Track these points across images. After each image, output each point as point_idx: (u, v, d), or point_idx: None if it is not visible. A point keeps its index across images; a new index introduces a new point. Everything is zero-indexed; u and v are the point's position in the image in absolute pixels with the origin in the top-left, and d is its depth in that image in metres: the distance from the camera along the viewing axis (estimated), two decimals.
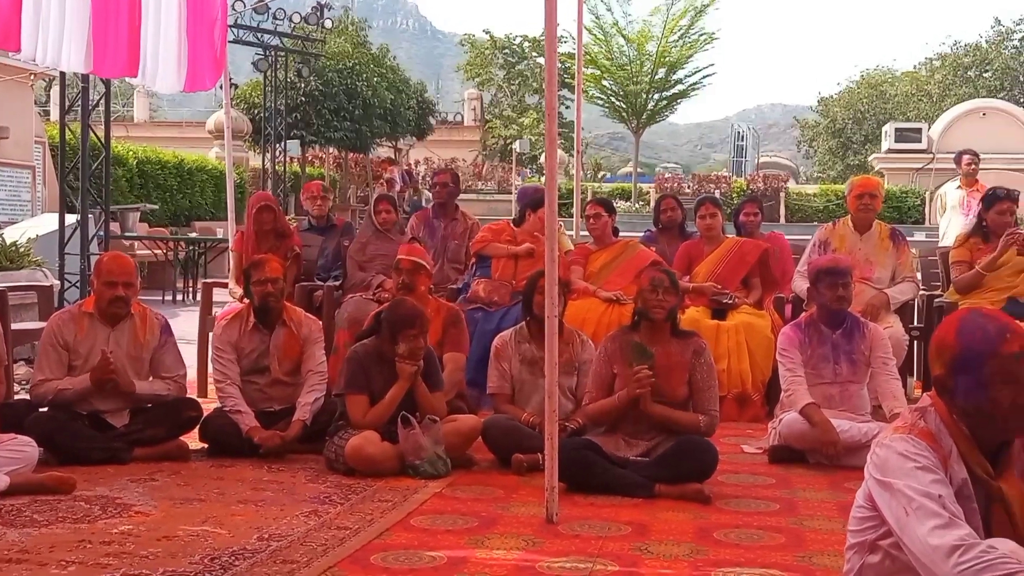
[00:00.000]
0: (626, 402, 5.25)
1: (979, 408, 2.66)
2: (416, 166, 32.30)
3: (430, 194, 13.48)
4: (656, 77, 30.04)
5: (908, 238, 15.64)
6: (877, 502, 2.71)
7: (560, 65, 40.31)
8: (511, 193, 26.28)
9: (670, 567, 4.01)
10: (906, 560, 2.63)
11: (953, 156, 11.72)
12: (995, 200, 7.36)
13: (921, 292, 7.96)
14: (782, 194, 28.01)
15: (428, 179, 23.45)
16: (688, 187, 29.25)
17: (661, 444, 5.26)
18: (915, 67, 51.01)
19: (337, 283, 8.07)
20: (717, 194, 25.05)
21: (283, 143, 22.29)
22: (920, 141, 26.41)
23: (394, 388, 5.54)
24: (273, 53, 21.25)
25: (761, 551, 4.24)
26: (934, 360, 2.76)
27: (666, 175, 36.77)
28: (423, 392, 5.59)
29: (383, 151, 35.45)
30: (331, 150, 31.02)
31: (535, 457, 5.33)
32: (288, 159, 23.73)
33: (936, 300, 7.65)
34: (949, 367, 2.71)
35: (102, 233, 11.62)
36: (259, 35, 20.48)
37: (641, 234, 9.20)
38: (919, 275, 8.65)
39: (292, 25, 21.37)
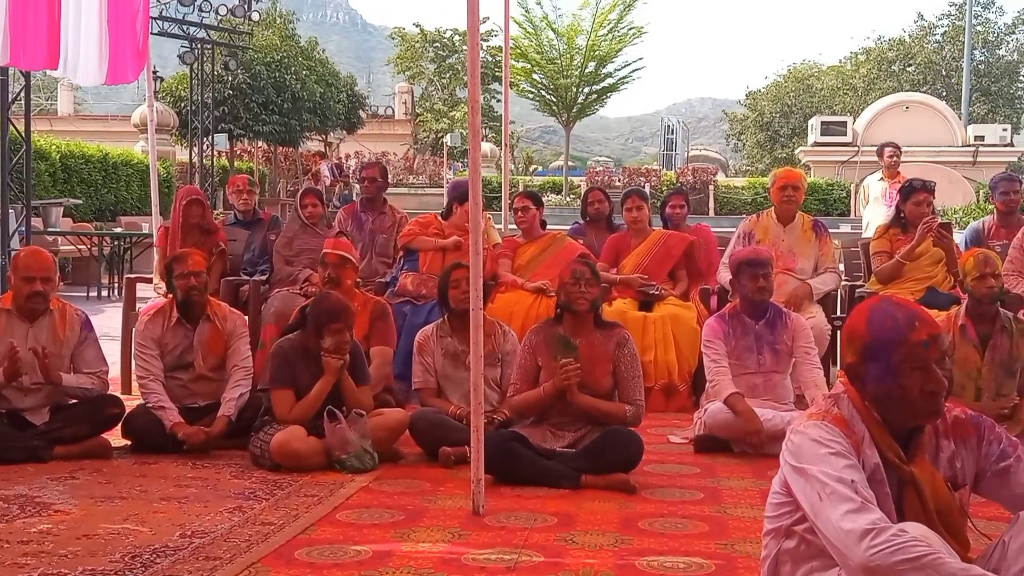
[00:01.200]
0: (552, 394, 5.27)
1: (890, 394, 2.71)
2: (346, 160, 32.09)
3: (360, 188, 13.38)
4: (586, 71, 30.14)
5: (834, 230, 15.91)
6: (792, 488, 2.74)
7: (491, 59, 40.40)
8: (443, 187, 26.24)
9: (594, 557, 4.04)
10: (820, 545, 2.67)
11: (876, 149, 11.90)
12: (912, 191, 7.47)
13: (843, 283, 8.07)
14: (711, 187, 28.27)
15: (357, 173, 23.32)
16: (619, 180, 29.37)
17: (587, 435, 5.29)
18: (841, 61, 51.82)
19: (263, 278, 7.99)
20: (647, 187, 25.24)
21: (210, 137, 22.06)
22: (845, 134, 26.82)
23: (320, 382, 5.51)
24: (199, 46, 21.00)
25: (684, 540, 4.29)
26: (846, 348, 2.81)
27: (597, 168, 36.98)
28: (349, 386, 5.57)
29: (313, 145, 35.23)
30: (260, 144, 30.74)
31: (462, 450, 5.33)
32: (216, 153, 23.48)
33: (858, 290, 7.76)
34: (860, 354, 2.75)
35: (24, 229, 11.39)
36: (185, 27, 20.23)
37: (569, 227, 9.24)
38: (841, 266, 8.78)
39: (218, 17, 21.16)
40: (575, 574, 3.83)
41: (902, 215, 7.47)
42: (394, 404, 6.16)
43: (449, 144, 35.41)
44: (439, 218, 8.11)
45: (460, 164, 37.98)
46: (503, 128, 10.30)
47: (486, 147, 32.32)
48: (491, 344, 5.96)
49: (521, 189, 18.73)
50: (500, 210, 10.77)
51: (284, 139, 29.01)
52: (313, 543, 4.17)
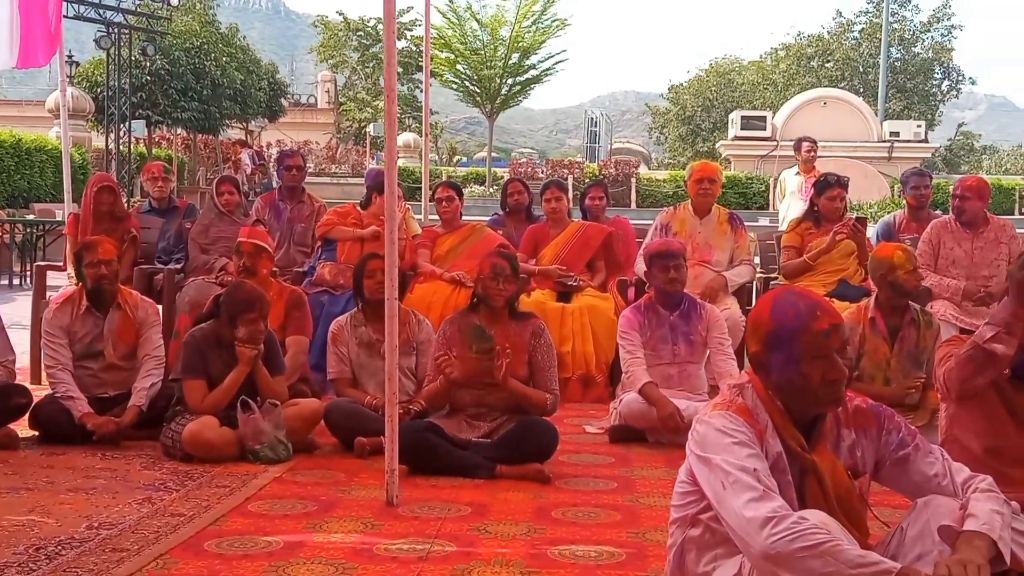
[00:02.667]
0: (457, 382, 5.27)
1: (792, 383, 2.76)
2: (268, 148, 31.75)
3: None
4: (510, 62, 30.14)
5: (753, 223, 16.10)
6: (697, 477, 2.77)
7: (415, 48, 40.22)
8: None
9: (507, 546, 4.05)
10: (725, 533, 2.71)
11: (794, 143, 12.05)
12: (826, 186, 7.58)
13: (758, 275, 8.19)
14: (633, 179, 28.43)
15: (275, 162, 23.07)
16: (542, 172, 29.43)
17: (503, 425, 5.30)
18: (761, 57, 52.47)
19: (178, 266, 7.89)
20: (570, 179, 25.32)
21: (127, 123, 21.67)
22: (764, 129, 27.16)
23: (233, 372, 5.45)
24: (116, 30, 20.62)
25: (597, 528, 4.32)
26: (750, 337, 2.85)
27: (521, 160, 36.97)
28: (263, 376, 5.52)
29: (234, 133, 34.81)
30: (179, 131, 30.28)
31: (378, 440, 5.29)
32: (133, 140, 23.07)
33: (772, 282, 7.87)
34: (764, 344, 2.79)
35: None
36: (101, 11, 19.84)
37: (489, 218, 9.25)
38: (757, 258, 8.89)
39: (136, 2, 20.76)
40: (487, 563, 3.84)
41: (816, 209, 7.58)
42: (310, 394, 6.10)
43: (372, 134, 35.21)
44: (358, 208, 8.06)
45: (383, 154, 37.77)
46: (424, 118, 10.26)
47: (409, 137, 32.20)
48: (406, 333, 5.95)
49: (444, 180, 18.62)
50: (421, 200, 10.76)
51: (204, 126, 28.61)
52: (223, 534, 4.12)
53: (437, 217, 8.46)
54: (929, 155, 31.52)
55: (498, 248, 5.70)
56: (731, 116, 29.87)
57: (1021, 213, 25.68)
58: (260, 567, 3.75)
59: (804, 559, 2.44)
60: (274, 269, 7.04)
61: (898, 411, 5.63)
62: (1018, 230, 7.71)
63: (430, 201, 9.09)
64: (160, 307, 6.60)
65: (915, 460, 2.87)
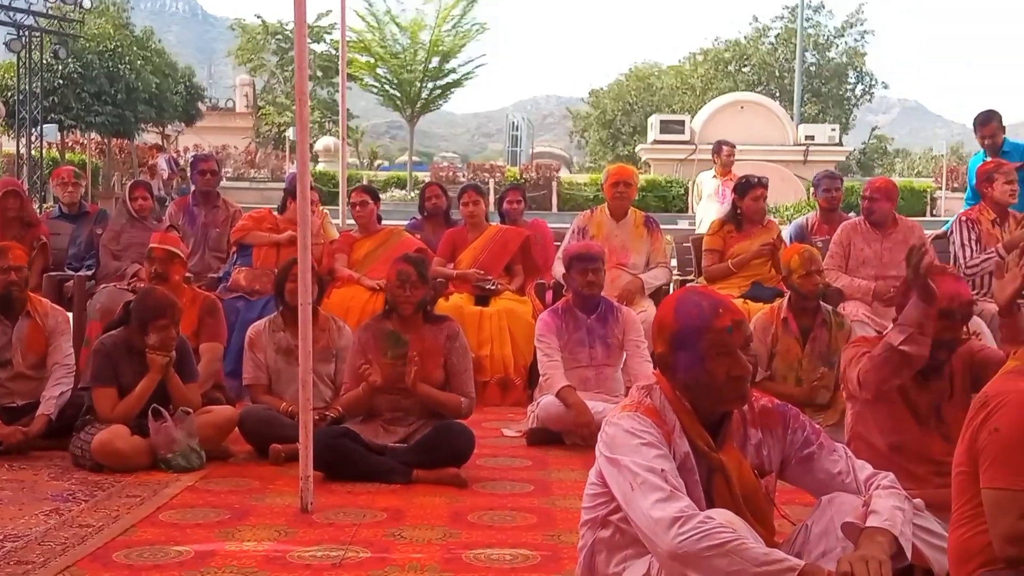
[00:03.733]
0: (377, 386, 5.24)
1: (698, 381, 2.78)
2: (186, 153, 31.33)
3: None
4: (430, 66, 30.11)
5: (672, 226, 16.23)
6: (606, 478, 2.79)
7: (334, 52, 39.91)
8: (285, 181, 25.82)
9: (422, 551, 4.04)
10: (634, 534, 2.72)
11: (712, 146, 12.19)
12: (749, 187, 7.65)
13: (675, 277, 8.26)
14: (554, 183, 28.54)
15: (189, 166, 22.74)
16: (463, 176, 29.43)
17: (419, 430, 5.28)
18: (680, 61, 52.97)
19: (89, 273, 7.75)
20: (491, 183, 25.35)
21: (39, 127, 21.22)
22: (683, 133, 27.44)
23: (144, 380, 5.37)
24: (27, 33, 20.20)
25: (513, 532, 4.32)
26: (656, 339, 2.87)
27: (442, 164, 36.96)
28: (176, 383, 5.44)
29: (150, 137, 34.28)
30: (93, 135, 29.73)
31: (293, 447, 5.22)
32: (46, 144, 22.62)
33: (688, 285, 7.95)
34: (669, 343, 2.82)
35: None
36: (11, 13, 19.42)
37: (407, 222, 9.22)
38: (674, 261, 8.97)
39: (47, 4, 20.35)
40: (401, 569, 3.83)
41: (739, 211, 7.64)
42: (224, 401, 6.04)
43: (292, 138, 34.85)
44: (274, 213, 7.99)
45: None
46: (340, 121, 10.20)
47: (329, 141, 31.96)
48: (325, 339, 5.92)
49: (360, 184, 18.50)
50: (339, 205, 10.68)
51: (118, 131, 28.11)
52: (132, 545, 4.06)
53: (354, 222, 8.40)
54: (843, 158, 32.09)
55: (404, 254, 5.64)
56: (650, 120, 30.13)
57: (932, 215, 26.24)
58: None
59: (710, 558, 2.47)
60: (188, 275, 6.94)
61: (808, 410, 5.78)
62: (928, 231, 7.90)
63: (347, 206, 9.03)
64: (70, 315, 6.48)
65: (820, 458, 2.91)
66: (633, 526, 2.68)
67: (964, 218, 7.16)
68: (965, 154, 45.89)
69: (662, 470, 2.65)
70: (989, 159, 7.59)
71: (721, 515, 2.61)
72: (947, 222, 7.69)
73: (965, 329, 4.01)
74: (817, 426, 2.99)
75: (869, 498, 2.76)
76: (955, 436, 2.92)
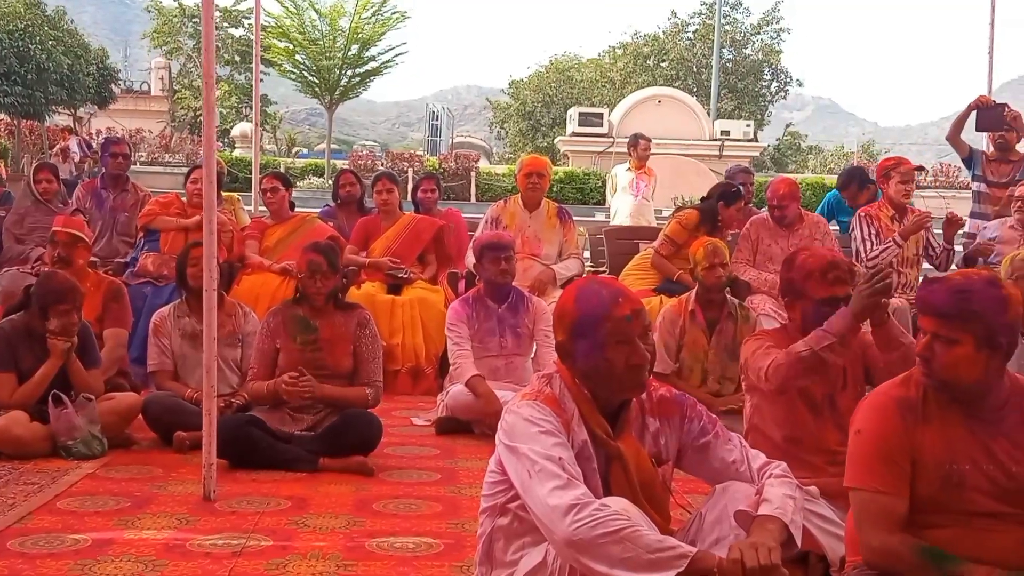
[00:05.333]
0: (272, 396, 5.23)
1: (597, 369, 2.81)
2: (98, 136, 30.67)
3: None
4: (349, 53, 29.78)
5: (590, 218, 16.29)
6: (505, 466, 2.80)
7: (252, 37, 39.35)
8: None
9: (324, 539, 4.02)
10: (532, 521, 2.73)
11: (629, 140, 12.26)
12: (736, 198, 7.49)
13: (587, 269, 8.31)
14: (473, 173, 28.48)
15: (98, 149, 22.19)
16: (382, 164, 29.20)
17: (326, 418, 5.26)
18: (600, 54, 53.15)
19: None
20: (410, 172, 25.20)
21: None
22: (602, 125, 27.51)
23: (45, 366, 5.27)
24: None
25: (417, 520, 4.33)
26: (557, 328, 2.89)
27: (362, 152, 36.62)
28: (77, 369, 5.34)
29: (61, 119, 33.54)
30: (2, 116, 28.99)
31: (198, 434, 5.14)
32: None
33: (600, 275, 8.00)
34: (569, 332, 2.84)
35: None
36: None
37: (320, 209, 9.16)
38: (587, 252, 9.03)
39: None
40: (303, 557, 3.81)
41: (719, 219, 7.42)
42: (129, 388, 5.94)
43: None
44: (181, 198, 7.88)
45: (221, 144, 36.99)
46: (254, 106, 10.09)
47: (246, 127, 31.56)
48: (232, 325, 5.87)
49: (271, 170, 18.27)
50: (252, 191, 10.58)
51: (28, 112, 27.42)
52: (28, 533, 3.99)
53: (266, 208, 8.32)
54: (758, 154, 32.42)
55: (314, 243, 5.59)
56: (569, 112, 30.17)
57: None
58: (65, 566, 3.64)
59: (605, 545, 2.49)
60: (94, 259, 6.83)
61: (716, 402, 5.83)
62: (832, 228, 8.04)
63: (259, 192, 8.94)
64: None
65: (715, 447, 2.96)
66: (530, 514, 2.69)
67: (863, 214, 7.32)
68: (876, 152, 46.87)
69: (560, 458, 2.67)
70: (890, 157, 7.78)
71: (616, 503, 2.64)
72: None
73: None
74: (714, 416, 3.04)
75: (762, 487, 2.81)
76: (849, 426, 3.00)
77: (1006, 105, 8.22)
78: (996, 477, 2.79)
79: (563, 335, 2.86)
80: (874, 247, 7.11)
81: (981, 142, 8.69)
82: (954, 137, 8.23)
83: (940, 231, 7.58)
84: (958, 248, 7.74)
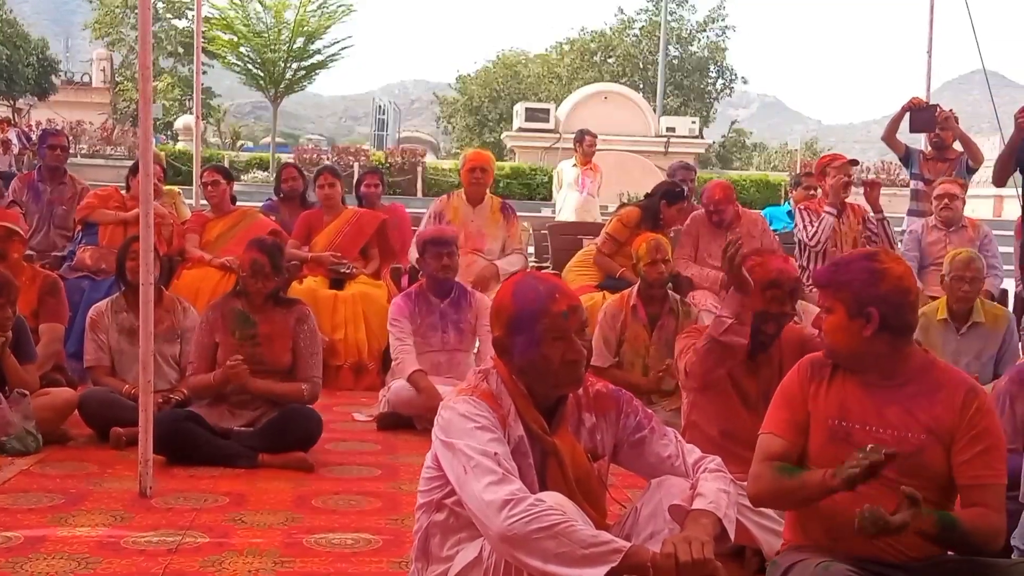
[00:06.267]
0: (220, 384, 5.18)
1: (534, 364, 2.81)
2: (38, 128, 30.23)
3: None
4: (294, 46, 29.61)
5: (536, 213, 16.29)
6: (441, 462, 2.79)
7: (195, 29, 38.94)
8: None
9: (262, 536, 4.00)
10: (468, 517, 2.72)
11: (575, 136, 12.29)
12: (679, 198, 7.48)
13: (531, 264, 8.32)
14: (419, 168, 28.41)
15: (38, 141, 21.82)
16: (327, 159, 29.05)
17: (266, 414, 5.22)
18: (547, 50, 53.28)
19: None
20: (356, 167, 25.09)
21: None
22: (548, 121, 27.54)
23: None
24: None
25: (356, 516, 4.31)
26: (494, 323, 2.89)
27: (307, 146, 36.45)
28: (11, 364, 5.25)
29: (0, 110, 33.02)
30: None
31: (135, 430, 5.08)
32: None
33: (543, 271, 8.00)
34: (506, 327, 2.84)
35: None
36: None
37: (262, 203, 9.10)
38: (531, 248, 9.05)
39: None
40: (239, 554, 3.78)
41: (661, 217, 7.43)
42: (65, 383, 5.85)
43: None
44: (121, 191, 7.78)
45: (163, 136, 36.63)
46: (195, 99, 9.99)
47: (190, 120, 31.18)
48: (170, 320, 5.80)
49: (212, 163, 18.09)
50: (193, 185, 10.47)
51: None
52: None
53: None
54: (703, 151, 32.64)
55: (259, 240, 5.53)
56: (516, 108, 30.19)
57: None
58: None
59: (539, 540, 2.49)
60: (30, 253, 6.72)
61: (655, 396, 5.89)
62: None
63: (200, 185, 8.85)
64: None
65: (651, 442, 2.97)
66: (466, 509, 2.69)
67: (803, 207, 7.42)
68: (819, 149, 47.37)
69: (495, 453, 2.67)
70: (827, 155, 7.90)
71: (551, 498, 2.64)
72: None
73: (796, 313, 4.16)
74: (649, 411, 3.05)
75: (696, 481, 2.82)
76: None
77: (937, 106, 8.36)
78: (883, 440, 2.84)
79: (500, 331, 2.86)
80: (812, 228, 7.20)
81: (920, 141, 8.81)
82: (889, 137, 8.36)
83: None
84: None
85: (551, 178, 25.32)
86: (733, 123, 56.67)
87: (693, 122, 28.98)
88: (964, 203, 7.62)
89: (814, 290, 4.47)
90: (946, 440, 2.88)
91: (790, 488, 2.88)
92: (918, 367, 2.94)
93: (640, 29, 48.59)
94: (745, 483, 3.57)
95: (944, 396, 2.90)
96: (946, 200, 7.44)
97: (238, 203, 8.33)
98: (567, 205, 11.77)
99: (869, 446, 2.69)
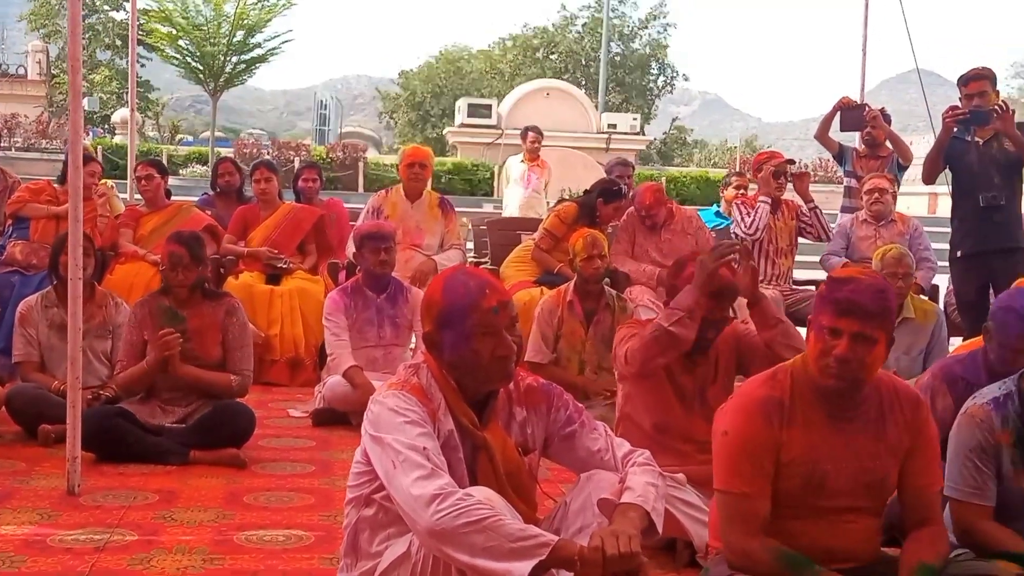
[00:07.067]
0: (155, 366, 5.12)
1: (464, 359, 2.80)
2: None
3: None
4: (234, 39, 29.30)
5: (477, 209, 16.26)
6: (370, 457, 2.77)
7: (136, 21, 38.41)
8: None
9: (192, 533, 3.95)
10: (397, 512, 2.71)
11: (519, 132, 12.30)
12: (615, 197, 7.48)
13: (470, 260, 8.30)
14: (361, 163, 28.27)
15: None
16: (268, 153, 28.79)
17: (198, 410, 5.17)
18: (490, 46, 53.22)
19: None
20: (296, 162, 24.90)
21: None
22: (490, 117, 27.51)
23: None
24: None
25: (289, 512, 4.28)
26: (424, 318, 2.87)
27: (248, 140, 36.08)
28: None
29: None
30: None
31: (63, 427, 5.01)
32: None
33: (482, 266, 8.00)
34: (436, 323, 2.82)
35: None
36: None
37: (198, 198, 9.00)
38: (471, 244, 9.04)
39: None
40: (168, 552, 3.74)
41: (597, 215, 7.42)
42: None
43: (87, 108, 33.51)
44: (53, 184, 7.66)
45: (101, 130, 36.13)
46: (130, 92, 9.87)
47: (128, 113, 30.78)
48: (102, 316, 5.72)
49: (147, 157, 17.85)
50: (128, 179, 10.34)
51: None
52: None
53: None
54: (644, 147, 32.83)
55: (176, 234, 5.45)
56: (458, 103, 30.12)
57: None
58: None
59: (467, 534, 2.48)
60: None
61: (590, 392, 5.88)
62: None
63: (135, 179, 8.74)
64: None
65: (581, 436, 2.97)
66: (395, 504, 2.68)
67: (739, 202, 7.50)
68: (759, 147, 47.73)
69: (424, 448, 2.65)
70: (763, 152, 7.99)
71: (480, 492, 2.63)
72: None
73: (731, 311, 4.19)
74: (580, 405, 3.05)
75: (625, 475, 2.83)
76: None
77: (866, 105, 8.48)
78: (855, 474, 2.88)
79: (430, 325, 2.85)
80: (749, 219, 7.26)
81: (855, 139, 8.92)
82: (822, 136, 8.45)
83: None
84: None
85: (493, 174, 25.38)
86: (674, 120, 56.88)
87: (635, 119, 29.07)
88: (895, 197, 7.73)
89: None
90: (901, 457, 2.93)
91: None
92: (872, 387, 2.93)
93: (582, 26, 48.69)
94: (678, 475, 3.61)
95: (898, 415, 2.93)
96: (876, 194, 7.54)
97: (174, 197, 8.23)
98: (512, 201, 11.78)
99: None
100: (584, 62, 47.02)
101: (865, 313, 2.76)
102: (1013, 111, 6.23)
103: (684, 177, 26.82)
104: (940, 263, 7.47)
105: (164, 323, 5.12)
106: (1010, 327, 3.66)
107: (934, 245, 7.80)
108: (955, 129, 6.36)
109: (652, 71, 49.07)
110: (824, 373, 2.82)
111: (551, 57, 47.87)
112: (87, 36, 43.99)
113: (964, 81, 6.43)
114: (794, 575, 2.78)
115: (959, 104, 6.41)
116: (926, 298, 6.87)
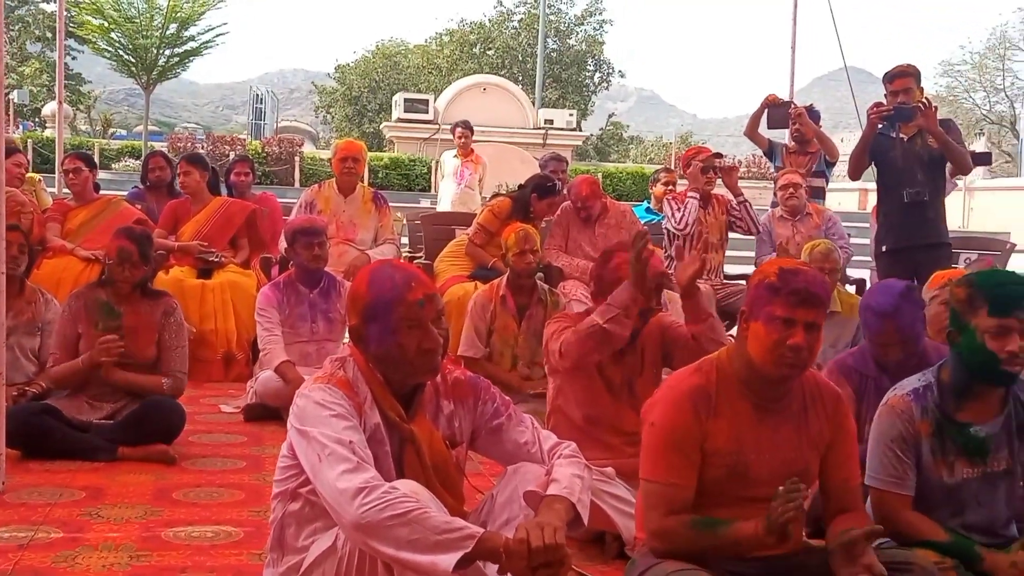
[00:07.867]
0: (89, 367, 5.06)
1: (390, 353, 2.80)
2: None
3: None
4: (167, 32, 29.01)
5: (414, 204, 16.23)
6: (296, 451, 2.77)
7: (66, 13, 37.93)
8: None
9: (119, 530, 3.91)
10: (323, 507, 2.70)
11: (451, 127, 12.32)
12: (550, 193, 7.52)
13: (404, 254, 8.29)
14: (297, 158, 28.08)
15: None
16: (203, 147, 28.50)
17: (127, 406, 5.11)
18: (427, 41, 53.14)
19: None
20: (231, 155, 24.68)
21: None
22: (427, 112, 27.45)
23: None
24: None
25: (218, 508, 4.25)
26: (350, 311, 2.87)
27: (182, 135, 35.67)
28: None
29: None
30: None
31: None
32: None
33: (416, 261, 7.99)
34: (362, 316, 2.82)
35: None
36: None
37: (127, 192, 8.90)
38: (405, 239, 9.02)
39: None
40: (94, 549, 3.70)
41: (531, 211, 7.47)
42: None
43: (17, 101, 32.94)
44: None
45: (32, 123, 35.52)
46: (58, 85, 9.72)
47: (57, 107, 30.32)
48: (31, 312, 5.62)
49: (73, 151, 17.59)
50: (55, 172, 10.19)
51: None
52: None
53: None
54: (581, 143, 32.97)
55: (127, 229, 5.40)
56: (395, 98, 30.03)
57: None
58: None
59: (392, 527, 2.48)
60: None
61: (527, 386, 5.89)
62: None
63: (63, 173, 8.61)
64: None
65: (508, 429, 2.99)
66: (320, 498, 2.67)
67: (670, 197, 7.58)
68: (693, 142, 48.15)
69: (350, 441, 2.65)
70: (692, 147, 8.10)
71: (406, 485, 2.64)
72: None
73: (663, 305, 4.25)
74: (507, 399, 3.06)
75: (551, 467, 2.85)
76: None
77: (791, 103, 8.63)
78: (778, 465, 2.93)
79: (356, 319, 2.84)
80: (679, 214, 7.34)
81: (785, 135, 9.04)
82: (751, 133, 8.57)
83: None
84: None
85: (430, 169, 25.35)
86: (611, 116, 57.18)
87: (571, 115, 29.18)
88: (808, 191, 7.89)
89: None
90: (822, 449, 3.00)
91: (716, 545, 2.83)
92: (796, 381, 2.98)
93: (519, 21, 48.78)
94: (606, 468, 3.64)
95: (820, 409, 3.00)
96: (790, 190, 7.68)
97: (107, 192, 8.12)
98: (445, 197, 11.80)
99: (783, 488, 2.67)
100: (521, 58, 47.12)
101: (819, 302, 2.87)
102: (936, 108, 6.33)
103: (620, 173, 26.99)
104: (867, 258, 7.60)
105: (100, 317, 5.07)
106: (870, 325, 3.85)
107: (864, 240, 7.94)
108: (880, 125, 6.47)
109: (588, 67, 49.29)
110: (778, 363, 2.85)
111: (488, 53, 47.91)
112: (17, 28, 43.27)
113: (889, 78, 6.54)
114: (711, 537, 2.83)
115: (884, 101, 6.52)
116: (853, 291, 6.99)
